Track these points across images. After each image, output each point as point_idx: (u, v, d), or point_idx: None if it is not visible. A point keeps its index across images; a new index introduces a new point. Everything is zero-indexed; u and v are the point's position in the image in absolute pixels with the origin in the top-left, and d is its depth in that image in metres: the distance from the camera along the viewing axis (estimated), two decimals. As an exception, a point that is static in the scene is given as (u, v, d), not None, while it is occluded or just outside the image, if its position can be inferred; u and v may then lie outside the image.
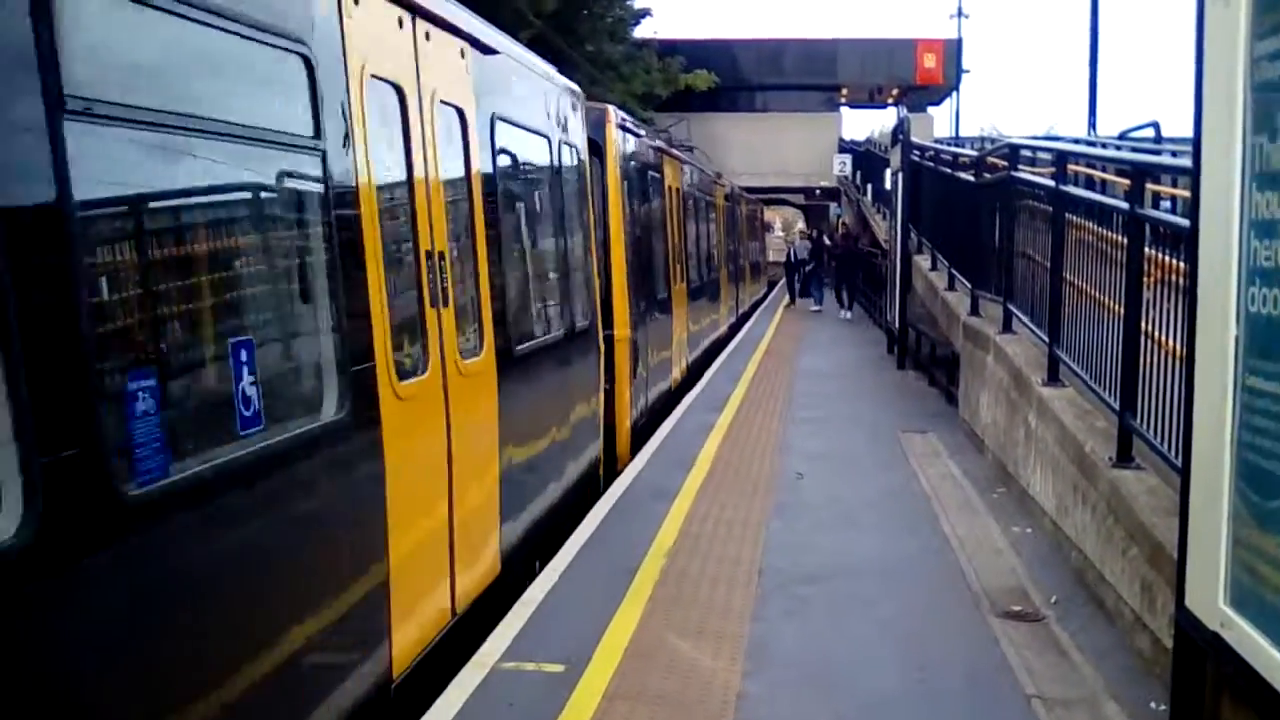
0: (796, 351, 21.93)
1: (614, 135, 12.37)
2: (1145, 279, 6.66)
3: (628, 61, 38.66)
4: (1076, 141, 18.65)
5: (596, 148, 11.56)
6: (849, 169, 41.27)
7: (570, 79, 10.71)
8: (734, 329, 26.31)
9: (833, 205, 47.74)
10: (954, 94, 48.93)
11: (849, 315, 29.16)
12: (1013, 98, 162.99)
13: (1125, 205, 7.17)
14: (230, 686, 4.08)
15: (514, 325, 7.75)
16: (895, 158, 20.18)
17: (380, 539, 5.33)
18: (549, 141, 9.12)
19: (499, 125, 7.58)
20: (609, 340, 11.41)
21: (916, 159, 18.92)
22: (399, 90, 5.89)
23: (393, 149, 5.84)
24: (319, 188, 4.94)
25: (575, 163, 10.05)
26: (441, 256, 6.28)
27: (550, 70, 9.77)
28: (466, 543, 6.57)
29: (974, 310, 12.61)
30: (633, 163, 13.52)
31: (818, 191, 48.57)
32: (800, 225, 43.35)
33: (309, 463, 4.76)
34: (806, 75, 48.87)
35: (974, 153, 15.45)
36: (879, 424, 13.45)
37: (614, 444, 11.58)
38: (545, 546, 8.24)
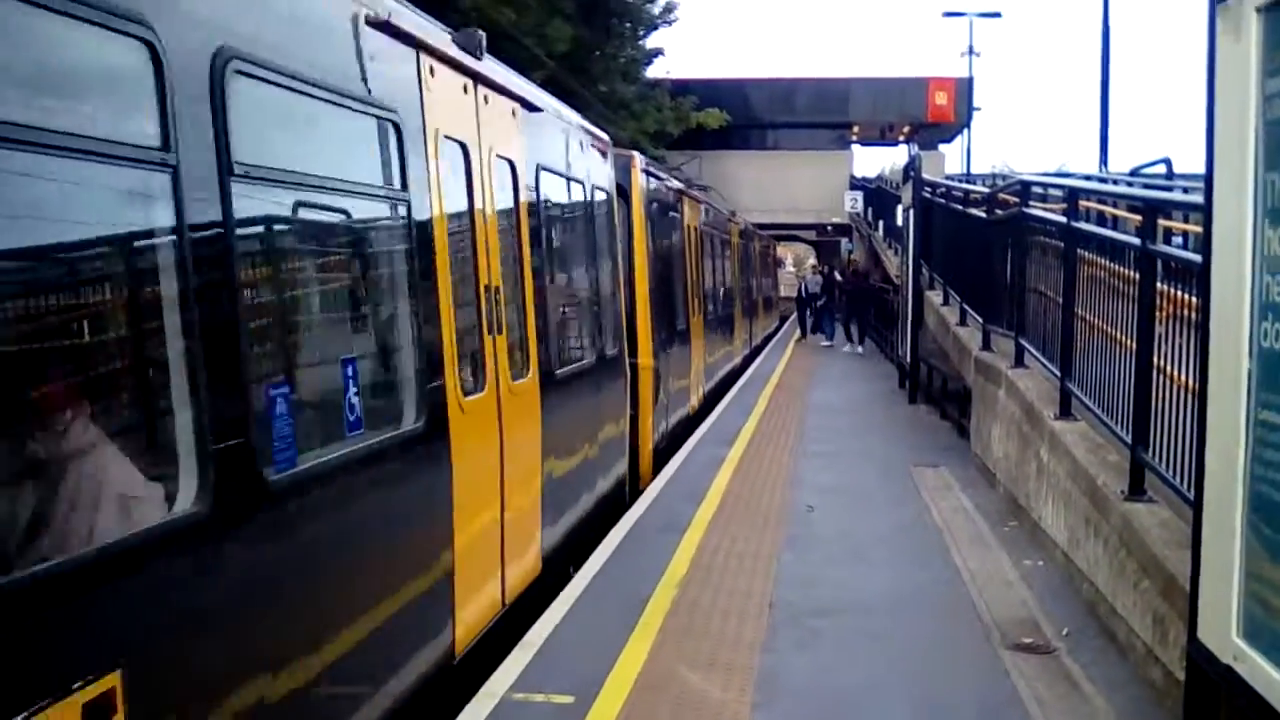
0: (808, 386, 21.95)
1: (639, 179, 13.29)
2: (1157, 313, 6.69)
3: (640, 100, 38.81)
4: (1088, 178, 18.74)
5: (623, 190, 12.44)
6: (860, 205, 41.35)
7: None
8: (748, 360, 27.08)
9: (844, 241, 47.78)
10: (965, 131, 48.98)
11: (860, 350, 29.23)
12: (1024, 135, 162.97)
13: (1137, 241, 7.20)
14: (336, 643, 4.86)
15: (554, 351, 8.64)
16: (907, 194, 20.26)
17: (448, 532, 6.19)
18: (583, 186, 10.07)
19: (542, 174, 8.54)
20: (633, 368, 12.13)
21: (928, 195, 18.99)
22: (464, 147, 6.80)
23: (459, 197, 6.71)
24: (405, 232, 5.88)
25: (605, 204, 11.04)
26: (496, 290, 7.17)
27: (583, 121, 10.74)
28: (514, 541, 7.37)
29: (986, 345, 12.63)
30: (655, 203, 14.39)
31: (829, 228, 48.62)
32: (811, 261, 43.37)
33: (395, 463, 5.60)
34: (818, 113, 49.03)
35: (986, 189, 15.52)
36: (890, 458, 13.44)
37: (637, 464, 12.33)
38: (578, 552, 8.98)
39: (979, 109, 53.70)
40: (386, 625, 5.38)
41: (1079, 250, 8.80)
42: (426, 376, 5.90)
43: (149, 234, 3.86)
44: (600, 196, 10.82)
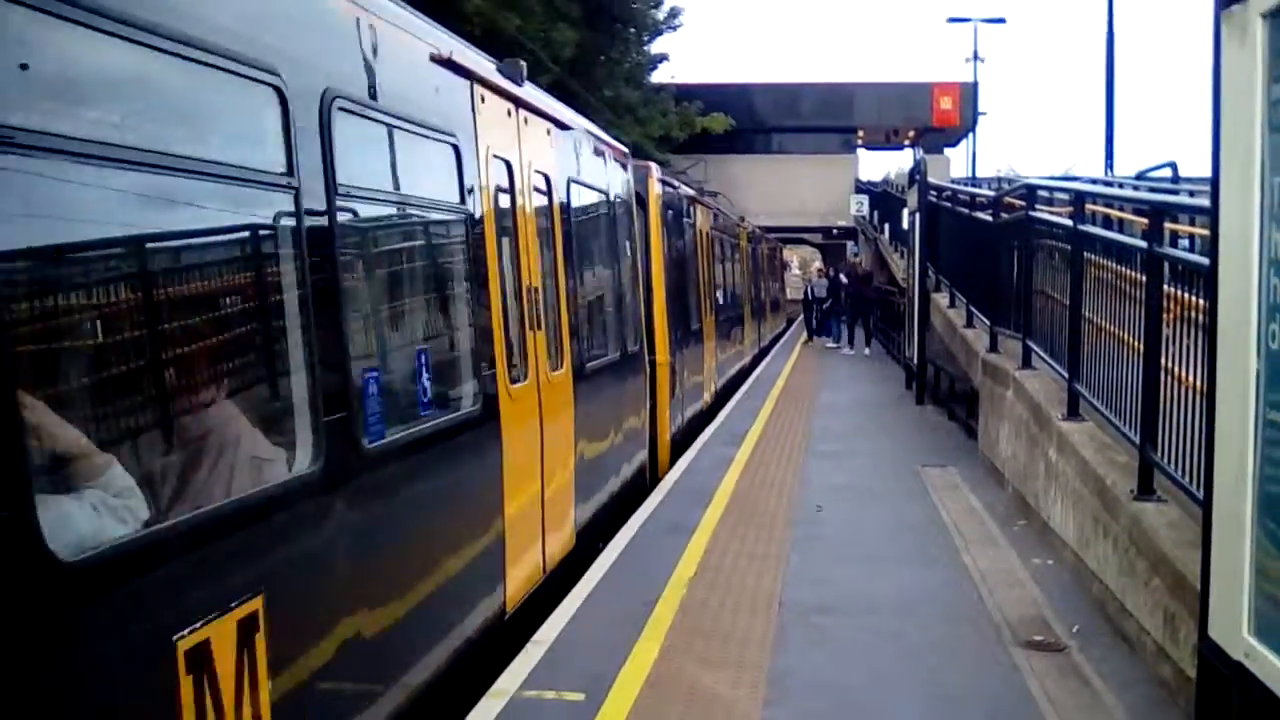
0: (814, 387, 22.00)
1: (655, 188, 14.29)
2: (1164, 315, 6.74)
3: (645, 105, 38.84)
4: (1094, 182, 18.74)
5: (640, 198, 13.31)
6: (866, 209, 41.39)
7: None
8: (756, 360, 28.09)
9: (850, 244, 47.80)
10: (970, 136, 49.02)
11: (867, 351, 29.36)
12: (1029, 139, 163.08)
13: (1144, 244, 7.25)
14: (416, 590, 5.71)
15: (584, 346, 9.58)
16: (912, 198, 20.30)
17: (499, 503, 7.02)
18: (607, 195, 11.00)
19: (572, 185, 9.41)
20: (652, 365, 13.08)
21: (934, 199, 19.04)
22: (508, 164, 7.60)
23: (505, 208, 7.56)
24: (464, 240, 6.72)
25: (626, 212, 11.98)
26: (536, 290, 8.00)
27: (606, 136, 11.65)
28: (552, 516, 8.22)
29: (993, 347, 12.68)
30: (670, 210, 15.33)
31: (835, 230, 48.68)
32: (817, 264, 43.33)
33: (458, 440, 6.40)
34: (823, 118, 49.15)
35: (991, 193, 15.55)
36: (898, 458, 13.49)
37: (656, 453, 13.23)
38: (606, 531, 9.84)
39: (984, 113, 53.49)
40: (454, 578, 6.24)
41: (1085, 253, 8.85)
42: (482, 366, 6.80)
43: (275, 244, 4.64)
44: (621, 204, 11.70)
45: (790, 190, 46.30)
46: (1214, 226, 4.58)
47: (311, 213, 4.69)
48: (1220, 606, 4.44)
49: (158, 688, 3.58)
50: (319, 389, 4.63)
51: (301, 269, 4.60)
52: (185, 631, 3.67)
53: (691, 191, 19.55)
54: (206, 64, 3.96)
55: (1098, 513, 7.52)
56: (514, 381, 7.31)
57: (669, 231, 14.99)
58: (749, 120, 46.41)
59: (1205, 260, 5.18)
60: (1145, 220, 7.79)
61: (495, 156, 7.25)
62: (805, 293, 36.39)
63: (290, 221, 4.59)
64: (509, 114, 7.71)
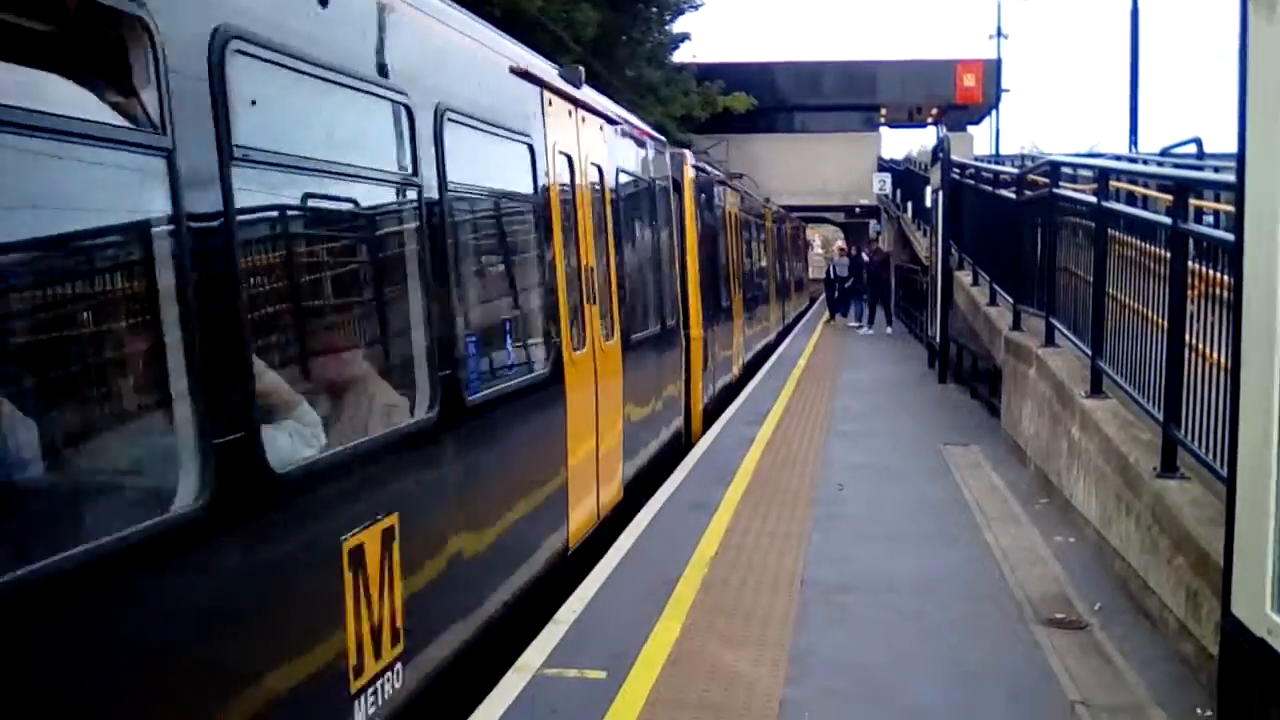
0: (836, 366, 21.97)
1: (689, 173, 15.21)
2: (1189, 292, 6.69)
3: (667, 85, 38.75)
4: (1118, 158, 18.62)
5: (675, 183, 14.14)
6: (889, 187, 41.18)
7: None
8: (781, 336, 29.02)
9: (873, 222, 47.60)
10: (994, 113, 48.80)
11: (889, 330, 29.30)
12: (1053, 116, 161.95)
13: (1168, 220, 7.20)
14: (506, 520, 6.81)
15: (631, 319, 10.66)
16: (935, 176, 20.21)
17: (564, 452, 8.11)
18: (648, 182, 12.19)
19: (620, 174, 10.50)
20: (686, 338, 14.10)
21: (957, 177, 18.95)
22: (569, 158, 8.66)
23: (568, 197, 8.63)
24: (537, 225, 7.84)
25: (664, 197, 13.10)
26: (591, 269, 9.09)
27: (647, 127, 12.88)
28: (605, 468, 9.33)
29: (1016, 325, 12.63)
30: (702, 194, 16.26)
31: (858, 209, 48.47)
32: (840, 242, 43.17)
33: (533, 396, 7.51)
34: (846, 96, 48.85)
35: (1015, 170, 15.46)
36: (920, 437, 13.48)
37: (690, 420, 14.26)
38: (649, 486, 10.81)
39: (1007, 90, 53.28)
40: (531, 513, 7.35)
41: (1110, 230, 8.79)
42: (551, 334, 7.91)
43: (403, 232, 5.70)
44: (660, 190, 12.83)
45: (812, 169, 46.09)
46: (1239, 202, 4.55)
47: (430, 204, 5.77)
48: (1243, 584, 4.43)
49: (331, 575, 4.62)
50: (435, 352, 5.71)
51: (423, 252, 5.66)
52: (348, 535, 4.73)
53: (721, 175, 20.24)
54: (367, 91, 5.25)
55: (1120, 490, 7.50)
56: (575, 349, 8.41)
57: (701, 214, 15.82)
58: (771, 99, 46.19)
59: (1230, 236, 5.14)
60: (1169, 197, 7.73)
61: (560, 152, 8.34)
62: (827, 272, 36.28)
63: (414, 211, 5.68)
64: (569, 114, 8.77)
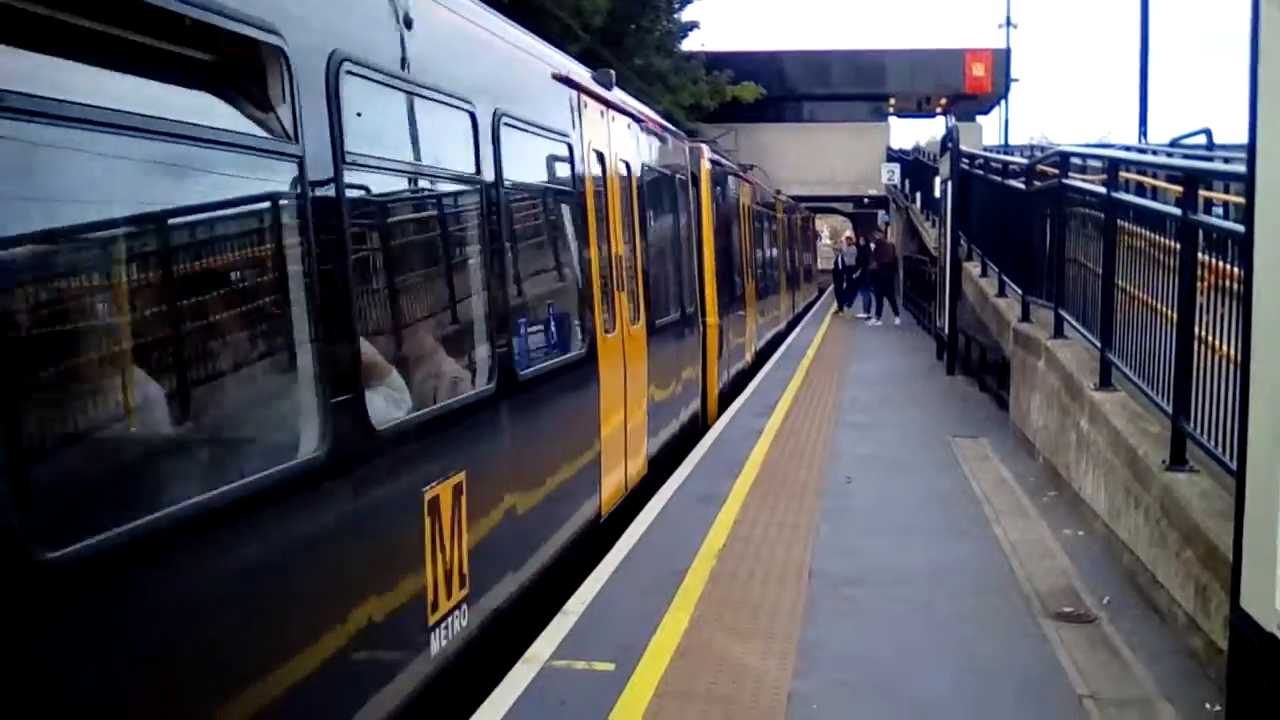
0: (845, 358, 21.94)
1: (706, 166, 15.89)
2: (1198, 283, 6.66)
3: (675, 74, 38.63)
4: (1127, 149, 18.53)
5: (693, 176, 14.87)
6: (897, 178, 41.06)
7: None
8: (791, 325, 29.66)
9: (881, 213, 47.49)
10: (1003, 103, 48.52)
11: (896, 321, 29.23)
12: (1062, 106, 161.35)
13: (1178, 211, 7.17)
14: (552, 484, 7.58)
15: (655, 305, 11.38)
16: (944, 166, 20.15)
17: (597, 427, 8.87)
18: (669, 176, 12.98)
19: (645, 169, 11.28)
20: (703, 325, 14.81)
21: (966, 167, 18.88)
22: (601, 155, 9.38)
23: (600, 191, 9.32)
24: (574, 217, 8.59)
25: (683, 189, 13.90)
26: (619, 257, 9.78)
27: (668, 124, 13.81)
28: (632, 443, 10.03)
29: (1025, 316, 12.59)
30: (717, 187, 16.91)
31: (866, 199, 48.35)
32: (848, 233, 43.02)
33: (571, 374, 8.27)
34: (854, 85, 48.66)
35: (1024, 160, 15.41)
36: (929, 429, 13.45)
37: (706, 403, 14.89)
38: (670, 463, 11.42)
39: (1016, 80, 53.04)
40: (570, 480, 8.08)
41: (1119, 221, 8.76)
42: (587, 317, 8.64)
43: (467, 227, 6.47)
44: (680, 183, 13.62)
45: (821, 159, 45.96)
46: (1250, 193, 4.53)
47: (490, 199, 6.49)
48: (1253, 578, 4.41)
49: (414, 521, 5.31)
50: (494, 331, 6.51)
51: (484, 242, 6.42)
52: (426, 488, 5.40)
53: (735, 167, 21.00)
54: (441, 101, 5.92)
55: (1129, 483, 7.47)
56: (607, 332, 9.14)
57: (717, 206, 16.47)
58: (779, 88, 46.08)
59: (1240, 227, 5.11)
60: (1179, 188, 7.70)
61: (593, 150, 9.06)
62: (835, 262, 36.15)
63: (477, 206, 6.42)
64: (602, 114, 9.50)
